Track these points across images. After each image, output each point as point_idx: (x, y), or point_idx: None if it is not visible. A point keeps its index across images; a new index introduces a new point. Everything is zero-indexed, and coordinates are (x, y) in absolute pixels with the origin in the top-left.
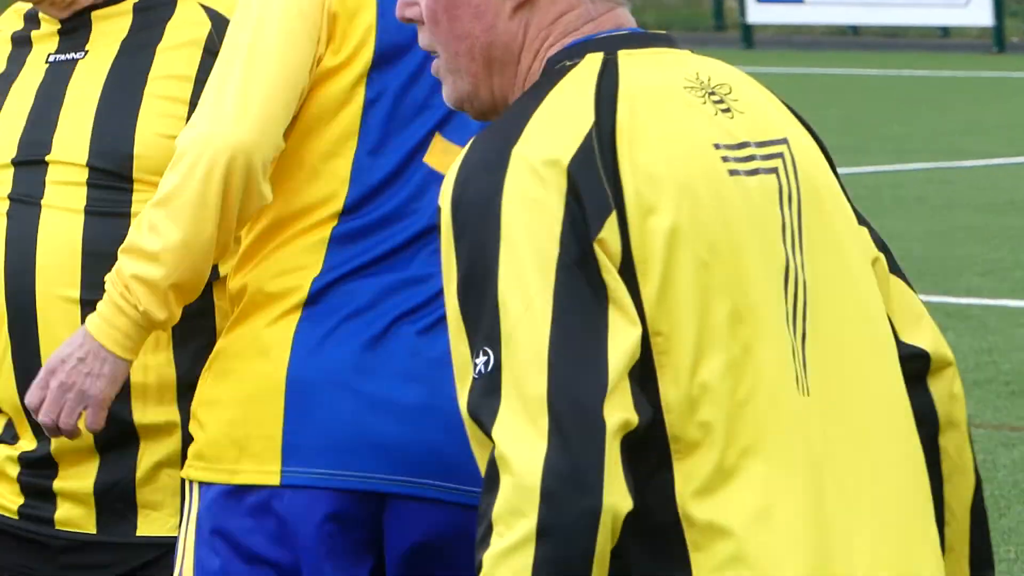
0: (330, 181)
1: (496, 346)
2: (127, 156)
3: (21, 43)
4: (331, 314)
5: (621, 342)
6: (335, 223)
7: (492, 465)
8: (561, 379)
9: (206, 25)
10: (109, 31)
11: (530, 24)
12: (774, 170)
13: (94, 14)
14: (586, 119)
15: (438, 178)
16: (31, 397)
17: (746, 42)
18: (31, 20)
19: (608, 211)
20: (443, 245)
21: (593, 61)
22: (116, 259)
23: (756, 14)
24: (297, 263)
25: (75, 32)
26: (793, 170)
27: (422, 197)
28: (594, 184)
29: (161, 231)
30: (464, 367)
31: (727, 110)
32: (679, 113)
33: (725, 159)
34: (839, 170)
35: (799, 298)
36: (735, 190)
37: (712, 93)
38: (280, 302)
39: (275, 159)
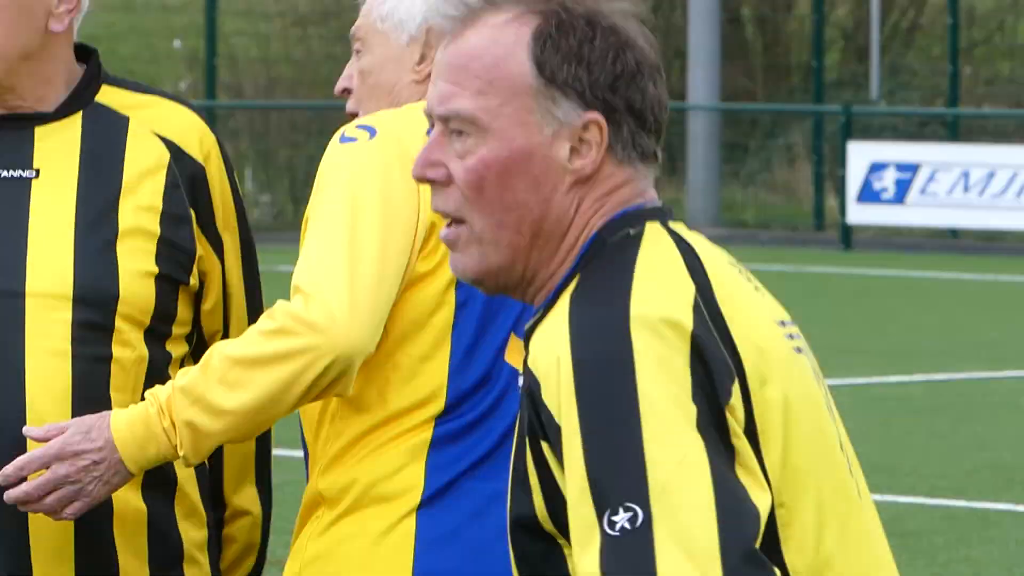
0: (428, 383)
1: (644, 501)
2: (112, 296)
3: None
4: (448, 519)
5: (759, 502)
6: (436, 425)
7: None
8: (731, 530)
9: (165, 154)
10: (57, 147)
11: (584, 199)
12: (803, 348)
13: (39, 130)
14: (687, 286)
15: (517, 375)
16: (24, 462)
17: (845, 243)
18: None
19: (732, 378)
20: (552, 405)
21: (657, 230)
22: (102, 406)
23: (856, 214)
24: (400, 464)
25: (12, 142)
26: (806, 344)
27: (505, 396)
28: (716, 350)
29: (237, 392)
30: (587, 528)
31: (757, 288)
32: (744, 288)
33: (787, 336)
34: (935, 376)
35: (850, 466)
36: (802, 367)
37: (740, 271)
38: (392, 504)
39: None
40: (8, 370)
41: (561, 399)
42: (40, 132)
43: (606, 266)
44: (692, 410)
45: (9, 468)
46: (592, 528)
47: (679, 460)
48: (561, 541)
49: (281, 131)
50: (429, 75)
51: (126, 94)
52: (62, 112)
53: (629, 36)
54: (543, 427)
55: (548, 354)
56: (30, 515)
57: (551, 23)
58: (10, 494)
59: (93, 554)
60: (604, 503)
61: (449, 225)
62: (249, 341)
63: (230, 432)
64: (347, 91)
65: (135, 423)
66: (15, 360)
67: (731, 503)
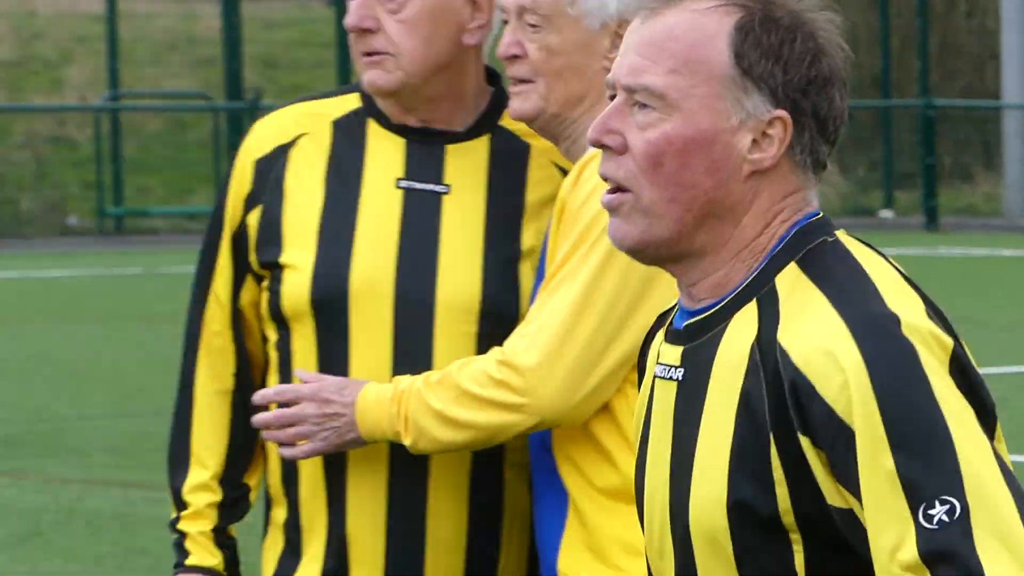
0: None
1: (961, 494)
2: (514, 314)
3: (350, 140)
4: None
5: None
6: None
7: None
8: None
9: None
10: (467, 165)
11: (759, 193)
12: None
13: (449, 148)
14: (915, 298)
15: None
16: (281, 389)
17: None
18: (367, 111)
19: (992, 400)
20: (837, 405)
21: (850, 239)
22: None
23: None
24: None
25: (426, 156)
26: None
27: None
28: (972, 364)
29: (467, 414)
30: (900, 522)
31: None
32: None
33: None
34: None
35: None
36: None
37: None
38: None
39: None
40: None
41: (853, 398)
42: (451, 150)
43: (837, 269)
44: (972, 412)
45: (268, 390)
46: (906, 522)
47: (985, 457)
48: (794, 536)
49: None
50: None
51: None
52: (472, 133)
53: (828, 44)
54: (807, 424)
55: (825, 352)
56: (428, 511)
57: (755, 17)
58: (256, 418)
59: (482, 549)
60: (921, 497)
61: (612, 191)
62: (477, 379)
63: (455, 445)
64: (515, 57)
65: (379, 399)
66: (425, 369)
67: (1019, 496)
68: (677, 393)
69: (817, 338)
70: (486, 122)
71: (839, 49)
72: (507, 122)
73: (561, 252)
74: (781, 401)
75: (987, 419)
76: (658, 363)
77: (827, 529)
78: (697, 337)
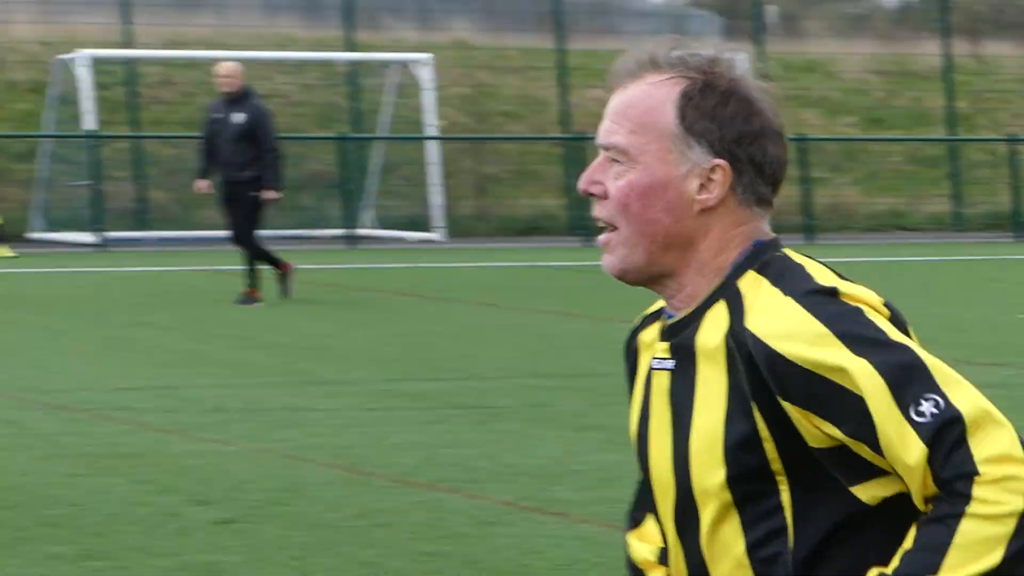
0: None
1: (939, 391)
2: None
3: None
4: None
5: None
6: None
7: None
8: None
9: None
10: None
11: (711, 225)
12: None
13: None
14: (846, 283)
15: None
16: None
17: None
18: None
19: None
20: (822, 369)
21: (793, 252)
22: None
23: None
24: None
25: None
26: None
27: None
28: (899, 315)
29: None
30: (905, 434)
31: None
32: None
33: None
34: None
35: None
36: None
37: None
38: None
39: None
40: None
41: (849, 367)
42: None
43: (785, 269)
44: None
45: None
46: (906, 430)
47: (936, 359)
48: (780, 479)
49: None
50: None
51: None
52: None
53: (760, 106)
54: (785, 388)
55: (788, 327)
56: None
57: (696, 85)
58: None
59: None
60: (906, 404)
61: (605, 230)
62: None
63: None
64: None
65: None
66: None
67: None
68: (671, 379)
69: (779, 318)
70: None
71: (772, 109)
72: None
73: None
74: (759, 374)
75: None
76: (653, 358)
77: (808, 470)
78: (679, 334)
